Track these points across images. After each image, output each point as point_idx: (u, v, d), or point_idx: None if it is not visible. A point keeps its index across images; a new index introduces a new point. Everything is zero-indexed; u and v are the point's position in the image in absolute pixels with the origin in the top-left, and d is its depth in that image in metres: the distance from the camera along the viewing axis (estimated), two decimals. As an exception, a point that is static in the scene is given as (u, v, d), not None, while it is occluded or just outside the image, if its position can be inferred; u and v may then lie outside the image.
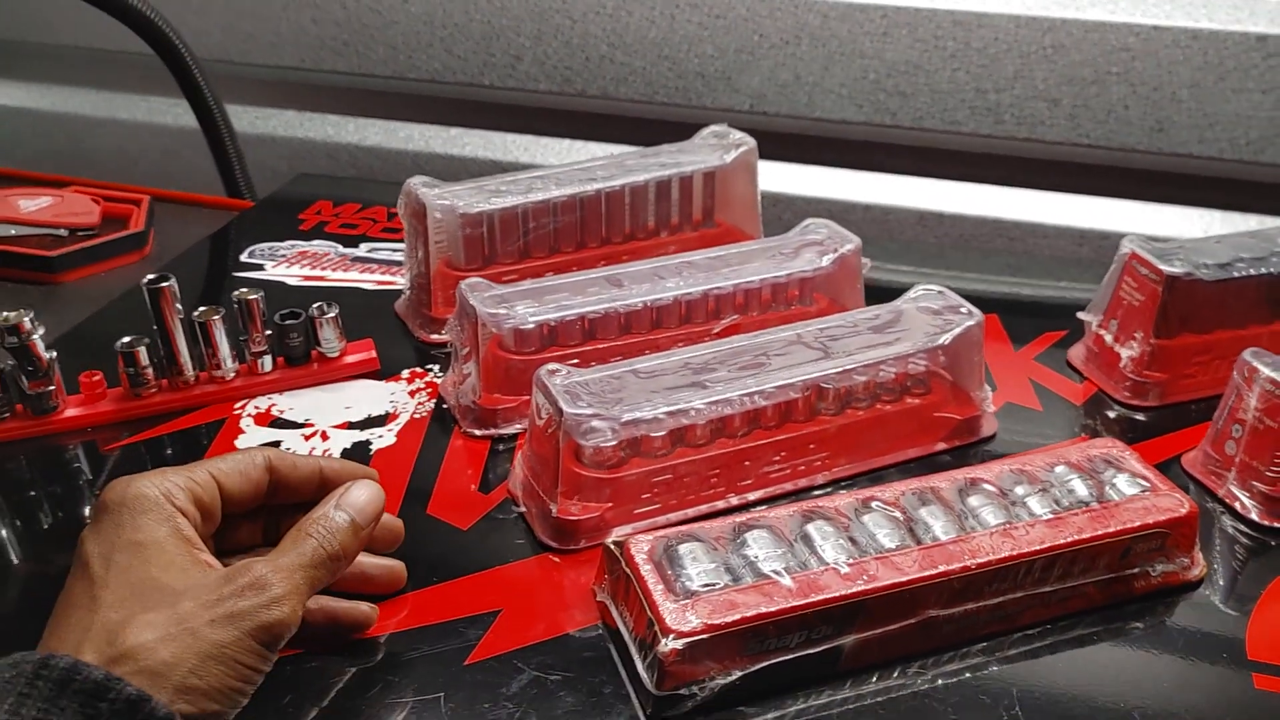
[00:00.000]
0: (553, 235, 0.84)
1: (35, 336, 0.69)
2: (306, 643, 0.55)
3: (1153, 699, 0.53)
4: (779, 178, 1.22)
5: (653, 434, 0.63)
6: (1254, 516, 0.64)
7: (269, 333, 0.75)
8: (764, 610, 0.52)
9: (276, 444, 0.71)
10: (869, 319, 0.70)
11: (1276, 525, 0.64)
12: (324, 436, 0.71)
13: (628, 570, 0.55)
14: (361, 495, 0.53)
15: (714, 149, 0.88)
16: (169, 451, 0.71)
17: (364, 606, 0.56)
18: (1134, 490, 0.59)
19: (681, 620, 0.51)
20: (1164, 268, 0.72)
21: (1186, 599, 0.60)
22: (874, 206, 1.21)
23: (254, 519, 0.56)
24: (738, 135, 0.89)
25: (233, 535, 0.55)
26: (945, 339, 0.68)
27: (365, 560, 0.57)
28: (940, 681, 0.55)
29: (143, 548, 0.48)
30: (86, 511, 0.67)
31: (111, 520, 0.49)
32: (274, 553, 0.50)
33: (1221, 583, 0.61)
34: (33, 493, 0.68)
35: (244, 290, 0.73)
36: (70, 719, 0.41)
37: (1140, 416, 0.74)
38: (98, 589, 0.47)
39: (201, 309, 0.72)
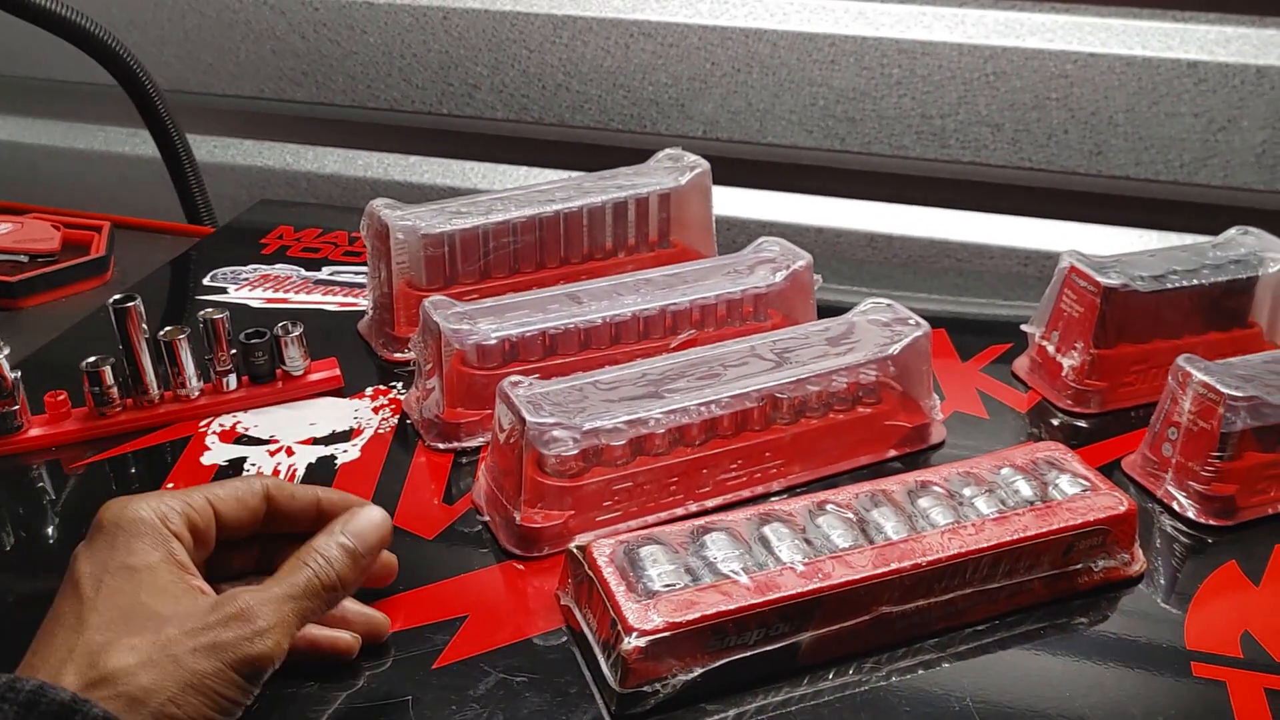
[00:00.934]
0: (513, 255, 0.85)
1: (0, 356, 0.70)
2: (283, 668, 0.54)
3: (1097, 688, 0.56)
4: (732, 202, 1.25)
5: (613, 443, 0.64)
6: (1191, 515, 0.67)
7: (234, 352, 0.76)
8: (723, 608, 0.53)
9: (241, 460, 0.72)
10: (821, 331, 0.73)
11: (1212, 523, 0.67)
12: (289, 452, 0.72)
13: (590, 573, 0.56)
14: (364, 522, 0.53)
15: (669, 171, 0.91)
16: (133, 470, 0.72)
17: (346, 636, 0.55)
18: (1075, 490, 0.62)
19: (644, 619, 0.53)
20: (1101, 280, 0.75)
21: (1128, 594, 0.62)
22: (825, 229, 1.24)
23: (250, 547, 0.56)
24: (692, 158, 0.92)
25: (227, 562, 0.55)
26: (895, 349, 0.70)
27: (349, 605, 0.56)
28: (894, 677, 0.56)
29: (135, 572, 0.48)
30: (50, 530, 0.67)
31: (106, 541, 0.49)
32: (268, 582, 0.50)
33: (1161, 578, 0.63)
34: (-3, 513, 0.68)
35: (209, 310, 0.75)
36: None
37: (1082, 423, 0.77)
38: (86, 610, 0.47)
39: (167, 328, 0.73)
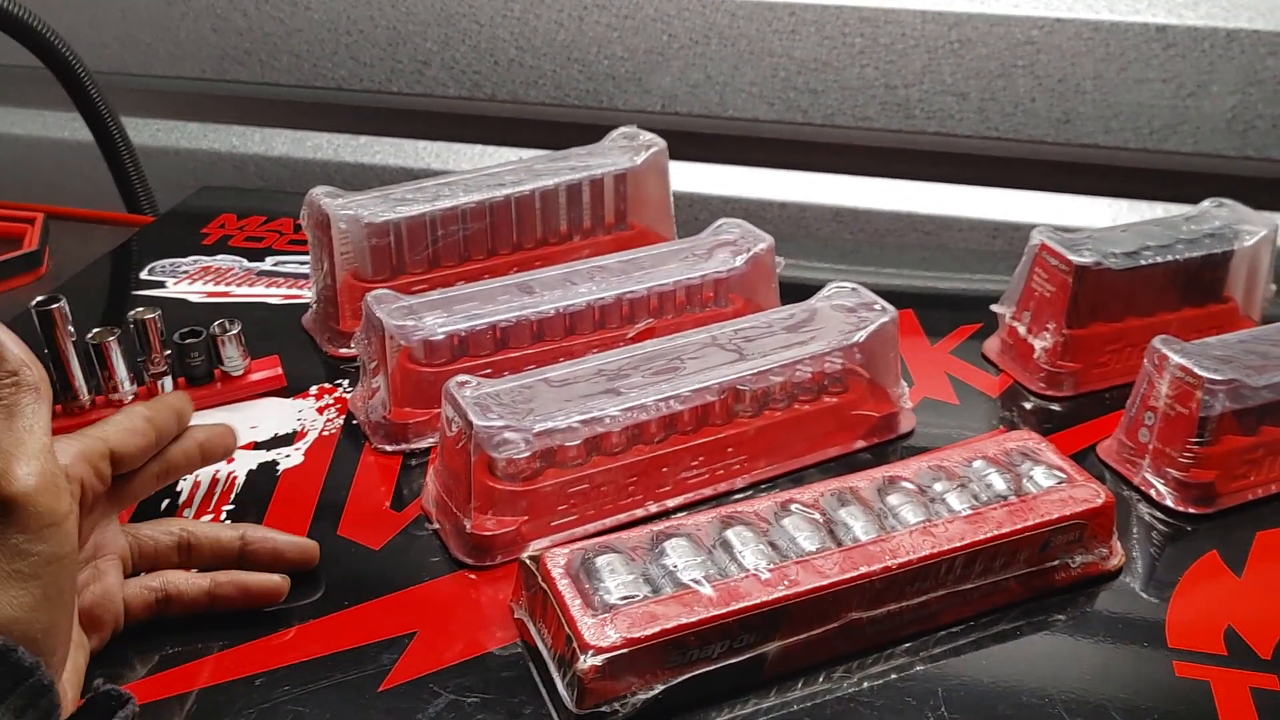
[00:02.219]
0: (462, 243, 0.82)
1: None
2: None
3: (1077, 690, 0.53)
4: (693, 178, 1.21)
5: (567, 444, 0.61)
6: (1169, 503, 0.65)
7: (168, 353, 0.72)
8: (684, 621, 0.51)
9: (178, 468, 0.68)
10: (783, 319, 0.70)
11: (1191, 511, 0.64)
12: (229, 459, 0.69)
13: (544, 585, 0.53)
14: None
15: (624, 151, 0.87)
16: (65, 480, 0.68)
17: (275, 578, 0.56)
18: (1051, 482, 0.59)
19: (600, 636, 0.50)
20: (1073, 258, 0.72)
21: (1106, 589, 0.60)
22: (789, 204, 1.21)
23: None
24: (647, 136, 0.88)
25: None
26: (860, 336, 0.67)
27: (279, 537, 0.58)
28: (865, 684, 0.54)
29: None
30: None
31: None
32: None
33: (1140, 570, 0.61)
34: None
35: (140, 310, 0.71)
36: None
37: (1055, 406, 0.75)
38: None
39: (96, 330, 0.69)
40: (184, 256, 0.94)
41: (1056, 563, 0.58)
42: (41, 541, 0.43)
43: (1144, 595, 0.59)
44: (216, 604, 0.56)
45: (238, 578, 0.56)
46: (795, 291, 0.76)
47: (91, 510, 0.52)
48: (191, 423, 0.59)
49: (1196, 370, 0.62)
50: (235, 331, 0.73)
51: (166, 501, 0.65)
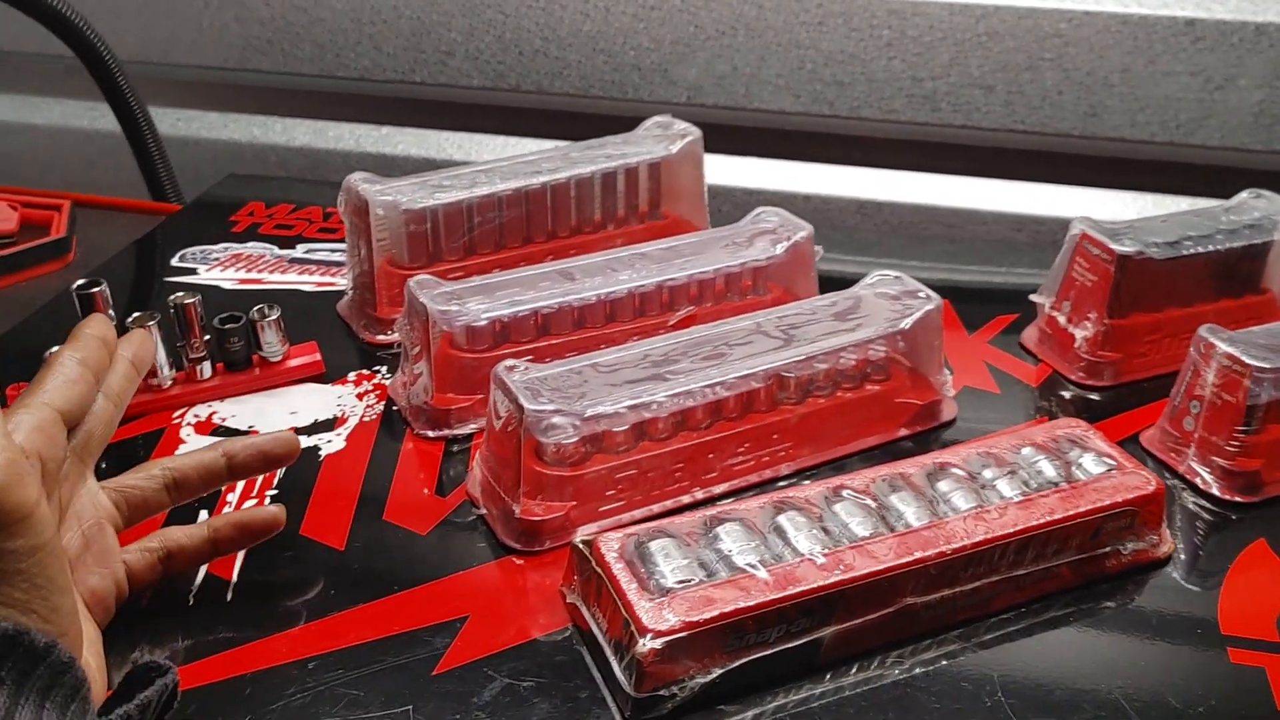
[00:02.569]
0: (498, 230, 0.82)
1: (-42, 348, 0.66)
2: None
3: (1132, 676, 0.53)
4: (718, 170, 1.20)
5: (615, 429, 0.61)
6: (1215, 491, 0.64)
7: (207, 338, 0.72)
8: (742, 605, 0.50)
9: (220, 453, 0.68)
10: (827, 306, 0.69)
11: (1238, 499, 0.64)
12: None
13: (599, 570, 0.53)
14: None
15: (659, 140, 0.87)
16: (104, 465, 0.68)
17: (271, 509, 0.57)
18: (1101, 469, 0.59)
19: (658, 619, 0.50)
20: (1116, 247, 0.72)
21: (1156, 576, 0.60)
22: (813, 196, 1.21)
23: None
24: (682, 125, 0.88)
25: None
26: (906, 324, 0.67)
27: (259, 438, 0.58)
28: (918, 670, 0.54)
29: None
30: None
31: None
32: None
33: (1189, 558, 0.61)
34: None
35: (180, 294, 0.70)
36: None
37: (1095, 396, 0.75)
38: None
39: (136, 315, 0.69)
40: (213, 244, 0.93)
41: (1107, 549, 0.58)
42: (17, 537, 0.41)
43: (1194, 582, 0.59)
44: (220, 548, 0.56)
45: (233, 518, 0.56)
46: (825, 284, 0.76)
47: (63, 479, 0.49)
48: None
49: (1244, 359, 0.62)
50: (275, 317, 0.73)
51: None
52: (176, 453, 0.68)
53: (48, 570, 0.42)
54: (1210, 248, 0.74)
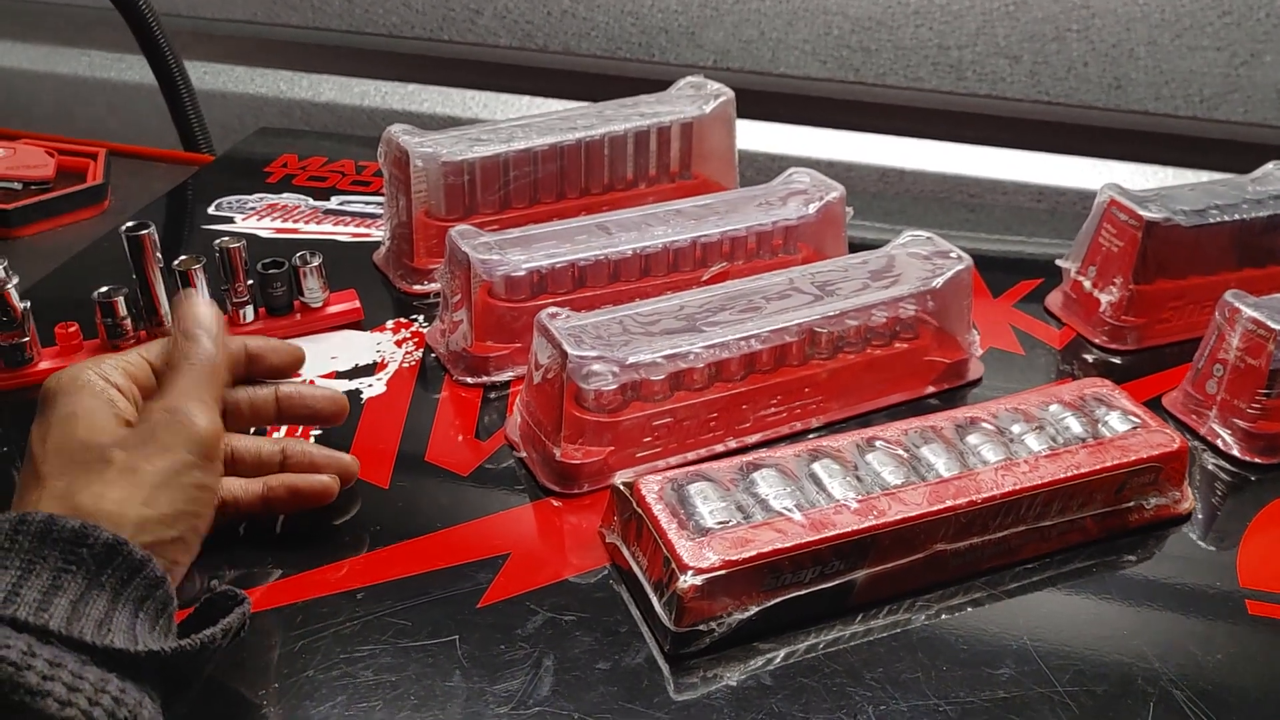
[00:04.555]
0: (533, 185, 0.83)
1: (9, 286, 0.67)
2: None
3: (1153, 627, 0.55)
4: (743, 134, 1.20)
5: (652, 378, 0.63)
6: (1235, 453, 0.66)
7: (250, 282, 0.73)
8: (779, 546, 0.52)
9: (264, 394, 0.69)
10: (860, 264, 0.71)
11: (1257, 461, 0.66)
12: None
13: (639, 510, 0.55)
14: (193, 310, 0.55)
15: (692, 100, 0.88)
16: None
17: (324, 477, 0.58)
18: (1126, 427, 0.61)
19: (699, 557, 0.51)
20: (1143, 213, 0.73)
21: (1175, 532, 0.61)
22: (836, 163, 1.22)
23: None
24: (715, 86, 0.89)
25: None
26: (938, 283, 0.69)
27: (316, 452, 0.60)
28: (944, 615, 0.56)
29: (74, 418, 0.50)
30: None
31: (49, 404, 0.51)
32: (158, 393, 0.53)
33: (1206, 516, 0.63)
34: (5, 448, 0.66)
35: (225, 239, 0.72)
36: (53, 566, 0.43)
37: (1117, 360, 0.76)
38: (39, 464, 0.49)
39: (182, 258, 0.71)
40: (249, 194, 0.95)
41: (1131, 504, 0.60)
42: (211, 474, 0.51)
43: (1213, 539, 0.61)
44: (271, 506, 0.58)
45: (288, 480, 0.58)
46: (851, 249, 0.77)
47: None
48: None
49: (1269, 323, 0.64)
50: (316, 264, 0.74)
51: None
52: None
53: (197, 506, 0.50)
54: (1236, 217, 0.76)
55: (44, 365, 0.70)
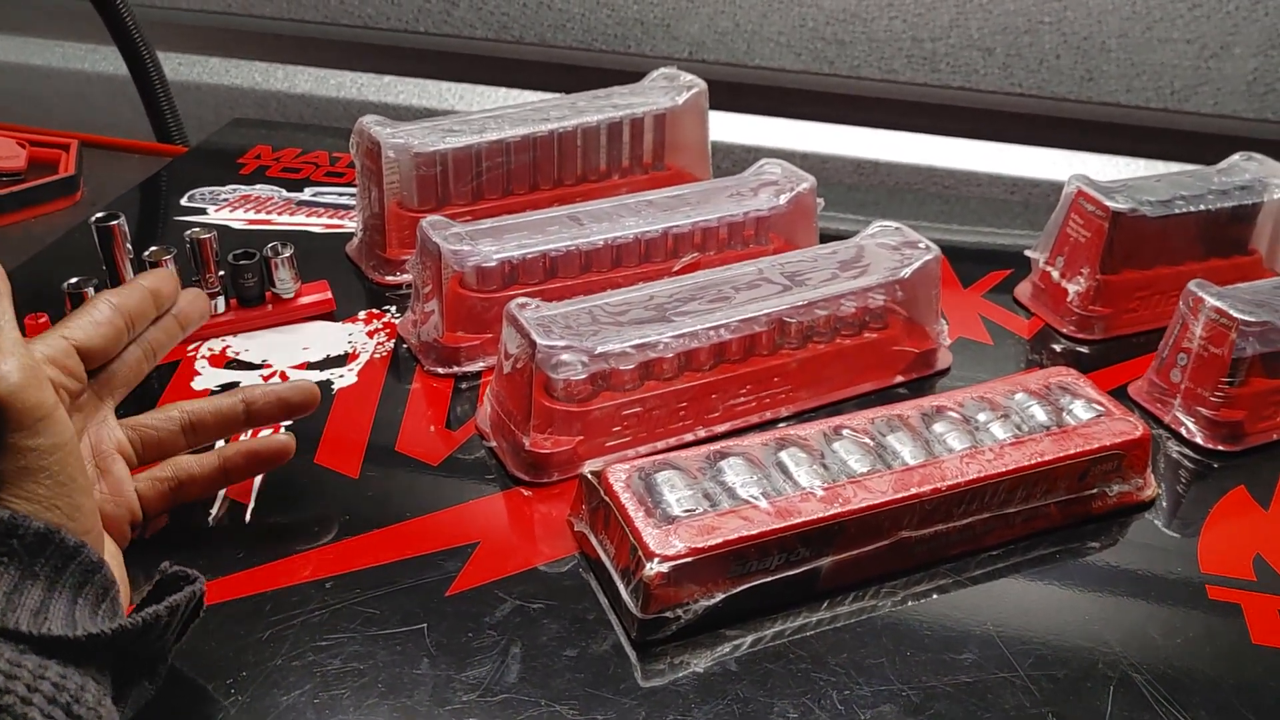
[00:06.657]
0: (505, 176, 0.83)
1: (-22, 277, 0.67)
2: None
3: (1116, 611, 0.56)
4: (717, 126, 1.21)
5: (621, 367, 0.63)
6: (1199, 440, 0.67)
7: (222, 273, 0.73)
8: (745, 533, 0.53)
9: (235, 384, 0.69)
10: (829, 254, 0.71)
11: (1220, 448, 0.67)
12: (283, 377, 0.70)
13: (607, 499, 0.55)
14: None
15: (665, 91, 0.88)
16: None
17: (281, 436, 0.58)
18: (1090, 415, 0.62)
19: (665, 544, 0.52)
20: (1110, 204, 0.74)
21: (1139, 518, 0.62)
22: (810, 155, 1.22)
23: None
24: (688, 78, 0.89)
25: None
26: (906, 273, 0.69)
27: (279, 387, 0.59)
28: (910, 602, 0.56)
29: None
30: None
31: None
32: None
33: (1170, 503, 0.63)
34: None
35: (196, 230, 0.72)
36: None
37: (1085, 349, 0.77)
38: None
39: (153, 249, 0.70)
40: (222, 185, 0.94)
41: (1094, 491, 0.61)
42: (39, 435, 0.43)
43: (1175, 526, 0.62)
44: (231, 476, 0.57)
45: (244, 446, 0.57)
46: (823, 240, 0.78)
47: (78, 409, 0.52)
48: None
49: (1232, 312, 0.64)
50: (288, 254, 0.74)
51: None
52: (191, 385, 0.69)
53: (69, 469, 0.44)
54: (1201, 207, 0.76)
55: (14, 356, 0.70)
